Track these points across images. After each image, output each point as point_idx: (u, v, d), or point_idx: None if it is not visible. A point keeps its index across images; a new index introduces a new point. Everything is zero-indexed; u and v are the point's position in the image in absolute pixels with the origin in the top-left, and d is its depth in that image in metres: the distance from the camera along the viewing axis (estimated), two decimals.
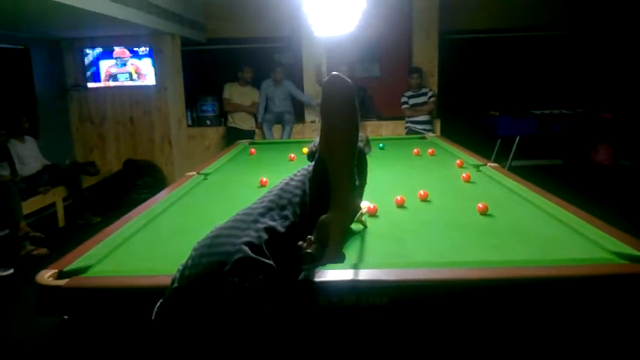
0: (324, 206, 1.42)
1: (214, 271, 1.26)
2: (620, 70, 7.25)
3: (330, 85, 1.47)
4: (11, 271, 4.11)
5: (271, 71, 6.78)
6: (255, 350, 1.25)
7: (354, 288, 1.55)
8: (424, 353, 1.62)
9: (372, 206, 2.33)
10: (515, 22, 7.48)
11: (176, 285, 1.30)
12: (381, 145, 4.36)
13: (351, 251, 1.79)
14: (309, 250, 1.33)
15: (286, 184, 1.58)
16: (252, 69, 6.69)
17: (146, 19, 5.24)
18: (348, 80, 1.47)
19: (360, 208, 2.04)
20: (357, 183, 1.64)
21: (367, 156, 1.96)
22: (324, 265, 1.46)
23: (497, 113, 7.03)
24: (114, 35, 6.19)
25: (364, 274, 1.60)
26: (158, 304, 1.31)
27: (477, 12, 7.48)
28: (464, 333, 1.61)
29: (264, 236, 1.35)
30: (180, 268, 1.34)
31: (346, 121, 1.44)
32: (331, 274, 1.58)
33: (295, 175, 1.64)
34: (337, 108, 1.45)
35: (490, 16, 7.47)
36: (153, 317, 1.30)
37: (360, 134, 1.78)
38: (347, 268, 1.64)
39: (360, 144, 1.81)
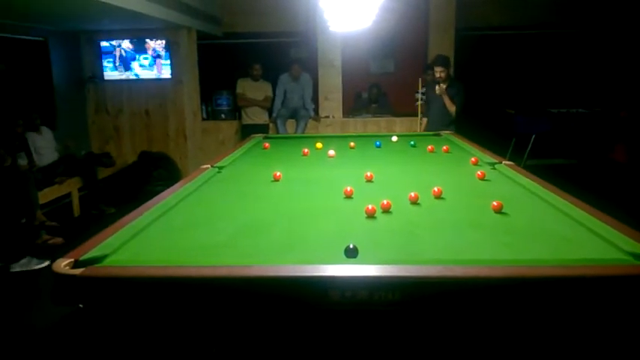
0: None
1: None
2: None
3: None
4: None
5: (289, 67, 6.78)
6: (269, 345, 1.26)
7: (367, 283, 1.56)
8: (435, 349, 1.62)
9: (385, 202, 2.33)
10: (532, 20, 7.40)
11: None
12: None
13: (364, 247, 1.79)
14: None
15: None
16: (261, 66, 6.69)
17: (163, 12, 5.27)
18: None
19: None
20: None
21: None
22: None
23: (513, 111, 6.97)
24: (131, 28, 6.23)
25: (377, 270, 1.60)
26: None
27: (494, 8, 7.41)
28: (476, 331, 1.60)
29: None
30: None
31: None
32: (345, 269, 1.58)
33: None
34: None
35: (507, 13, 7.39)
36: None
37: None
38: (360, 264, 1.64)
39: None
